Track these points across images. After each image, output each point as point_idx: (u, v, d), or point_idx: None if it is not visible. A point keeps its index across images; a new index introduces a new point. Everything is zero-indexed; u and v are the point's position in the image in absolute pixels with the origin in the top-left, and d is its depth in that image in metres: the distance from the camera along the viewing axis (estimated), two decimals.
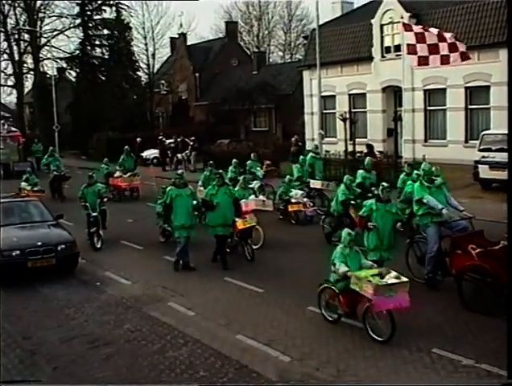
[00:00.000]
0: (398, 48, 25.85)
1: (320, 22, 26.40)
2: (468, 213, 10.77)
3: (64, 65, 48.30)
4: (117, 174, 22.64)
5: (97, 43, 47.15)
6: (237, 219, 12.66)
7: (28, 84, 51.46)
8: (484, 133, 20.47)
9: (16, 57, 47.41)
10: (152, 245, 14.71)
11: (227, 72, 47.60)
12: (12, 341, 9.01)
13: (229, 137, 35.27)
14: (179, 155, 31.97)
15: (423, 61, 19.75)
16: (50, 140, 37.27)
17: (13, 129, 36.28)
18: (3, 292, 11.02)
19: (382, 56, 28.53)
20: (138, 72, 48.18)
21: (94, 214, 14.70)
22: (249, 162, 19.58)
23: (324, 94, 27.98)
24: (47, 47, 47.38)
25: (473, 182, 19.64)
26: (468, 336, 8.43)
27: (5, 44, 46.76)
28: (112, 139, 37.89)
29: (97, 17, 46.58)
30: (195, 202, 12.57)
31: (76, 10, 46.19)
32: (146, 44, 47.07)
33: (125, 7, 46.41)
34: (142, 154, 33.62)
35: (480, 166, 19.33)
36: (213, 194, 12.54)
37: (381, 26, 28.38)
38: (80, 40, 46.42)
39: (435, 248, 10.37)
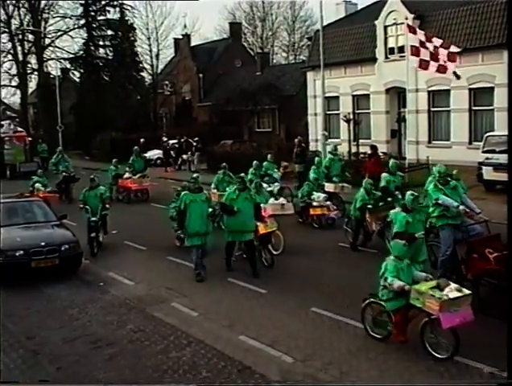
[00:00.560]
0: (401, 49, 25.78)
1: (324, 23, 26.39)
2: (483, 216, 10.68)
3: (68, 66, 48.43)
4: (127, 175, 22.18)
5: (101, 43, 47.39)
6: (258, 224, 12.18)
7: (32, 85, 51.81)
8: (488, 134, 20.41)
9: (20, 57, 47.63)
10: (155, 246, 14.69)
11: (231, 73, 47.68)
12: (15, 341, 9.00)
13: (233, 137, 35.21)
14: (184, 156, 31.99)
15: (424, 65, 19.86)
16: (54, 140, 37.32)
17: (19, 129, 35.99)
18: (6, 292, 11.02)
19: (386, 57, 28.51)
20: (141, 73, 48.42)
21: (94, 219, 14.31)
22: (265, 163, 19.03)
23: (327, 95, 27.96)
24: (51, 48, 47.58)
25: (477, 184, 19.54)
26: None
27: (9, 44, 47.09)
28: (115, 139, 38.03)
29: (101, 17, 46.81)
30: (210, 209, 12.07)
31: (80, 10, 46.51)
32: (149, 45, 47.43)
33: (129, 8, 46.78)
34: (146, 155, 33.56)
35: (484, 167, 19.30)
36: (234, 198, 11.87)
37: (385, 27, 28.36)
38: (83, 41, 46.62)
39: (448, 251, 10.22)
